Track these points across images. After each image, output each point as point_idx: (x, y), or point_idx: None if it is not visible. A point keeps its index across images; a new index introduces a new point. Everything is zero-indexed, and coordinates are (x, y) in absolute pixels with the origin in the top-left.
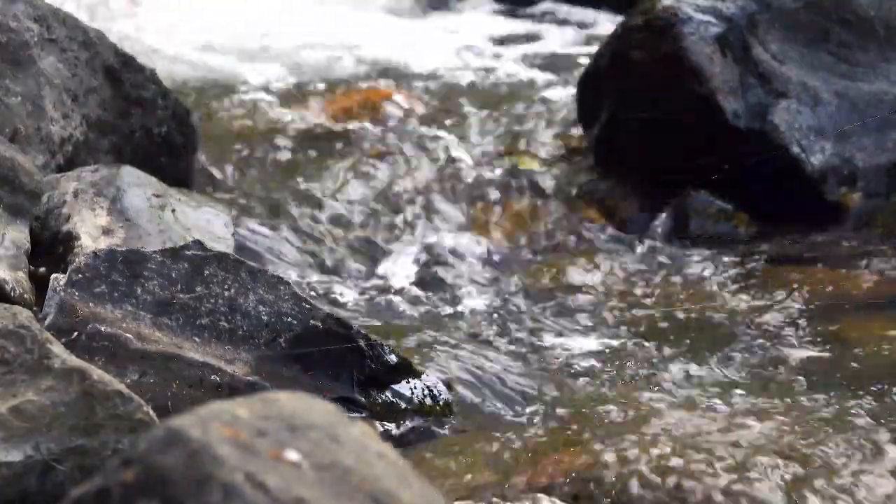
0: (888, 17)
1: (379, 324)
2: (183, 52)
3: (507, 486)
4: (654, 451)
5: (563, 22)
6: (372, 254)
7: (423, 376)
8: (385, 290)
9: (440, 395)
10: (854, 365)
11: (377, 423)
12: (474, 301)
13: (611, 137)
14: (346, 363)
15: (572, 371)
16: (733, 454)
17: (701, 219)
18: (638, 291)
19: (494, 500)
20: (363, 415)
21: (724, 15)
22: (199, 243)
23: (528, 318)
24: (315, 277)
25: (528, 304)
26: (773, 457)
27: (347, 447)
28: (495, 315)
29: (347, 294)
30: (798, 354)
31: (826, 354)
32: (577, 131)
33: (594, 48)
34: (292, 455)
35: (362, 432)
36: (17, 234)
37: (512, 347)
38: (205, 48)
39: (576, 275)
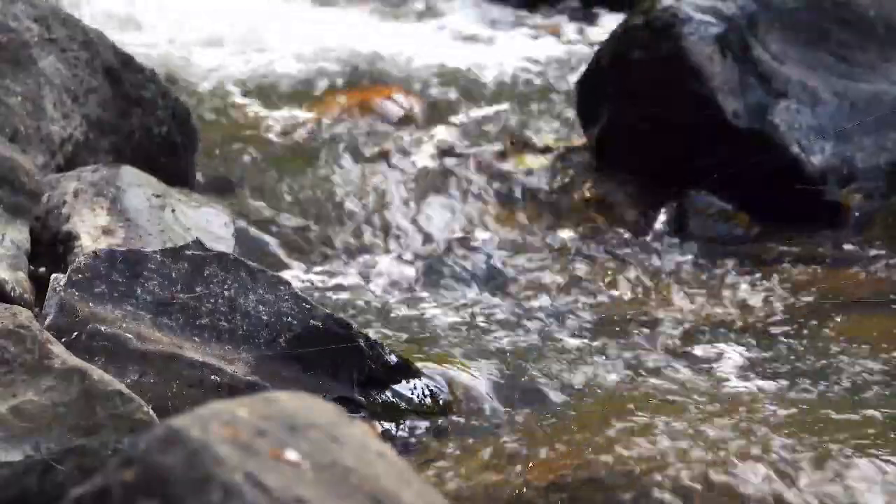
0: (888, 17)
1: (378, 324)
2: (183, 52)
3: (507, 485)
4: (657, 451)
5: (564, 21)
6: (371, 253)
7: (423, 376)
8: (384, 289)
9: (440, 395)
10: (854, 364)
11: (377, 423)
12: (473, 301)
13: (611, 137)
14: (346, 363)
15: (573, 371)
16: (734, 453)
17: (701, 219)
18: (638, 291)
19: (495, 500)
20: (363, 415)
21: (724, 15)
22: (199, 243)
23: (527, 318)
24: (314, 277)
25: (528, 304)
26: (773, 456)
27: (347, 447)
28: (494, 315)
29: (346, 294)
30: (798, 354)
31: (826, 354)
32: (577, 131)
33: (594, 48)
34: (292, 455)
35: (362, 432)
36: (17, 234)
37: (512, 347)
38: (204, 48)
39: (575, 274)
